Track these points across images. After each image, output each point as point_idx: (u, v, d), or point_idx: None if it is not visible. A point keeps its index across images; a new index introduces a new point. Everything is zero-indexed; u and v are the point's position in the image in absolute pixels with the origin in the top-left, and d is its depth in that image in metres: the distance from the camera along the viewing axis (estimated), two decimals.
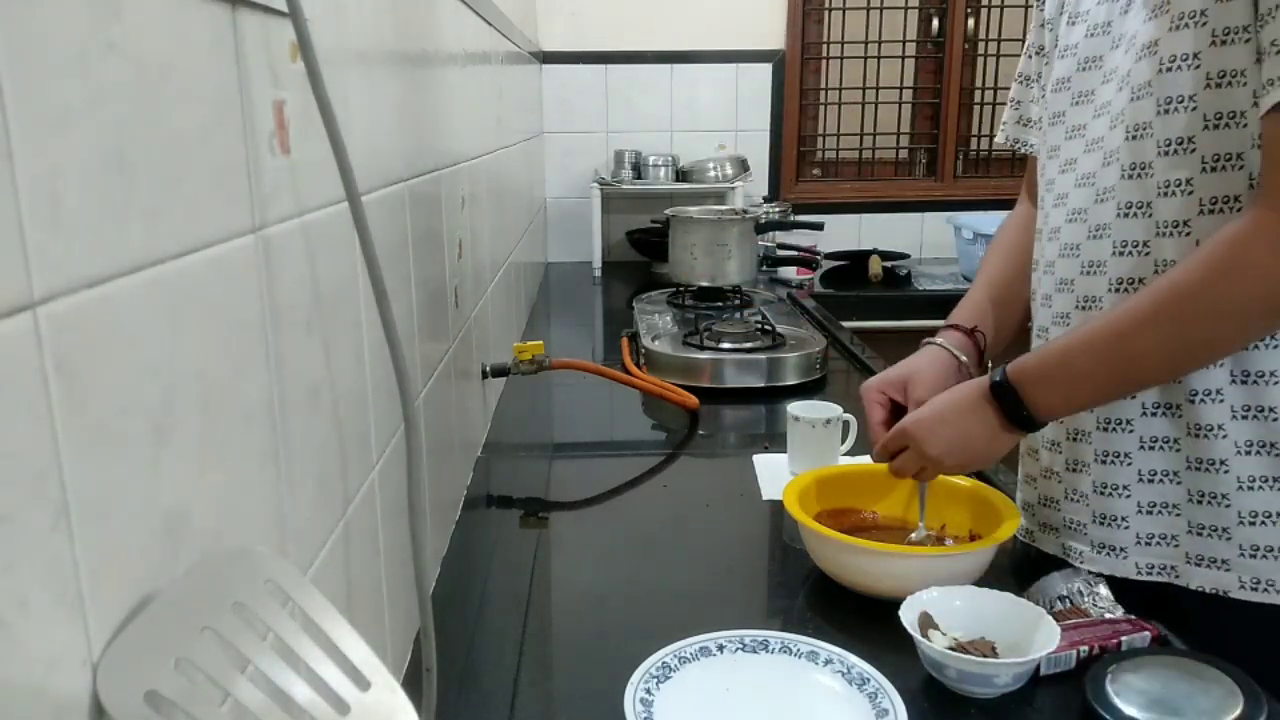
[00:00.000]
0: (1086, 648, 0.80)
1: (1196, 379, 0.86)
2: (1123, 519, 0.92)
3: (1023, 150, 1.14)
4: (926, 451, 0.93)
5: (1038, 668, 0.78)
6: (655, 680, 0.78)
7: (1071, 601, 0.87)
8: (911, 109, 3.16)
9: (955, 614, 0.83)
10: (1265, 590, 0.85)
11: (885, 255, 2.88)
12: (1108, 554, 0.93)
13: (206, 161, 0.47)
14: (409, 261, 0.90)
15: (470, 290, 1.30)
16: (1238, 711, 0.70)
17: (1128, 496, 0.91)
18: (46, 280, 0.34)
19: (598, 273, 2.84)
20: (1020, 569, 1.00)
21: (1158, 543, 0.91)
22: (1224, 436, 0.85)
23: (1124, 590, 0.89)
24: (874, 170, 3.20)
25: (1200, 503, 0.87)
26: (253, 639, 0.41)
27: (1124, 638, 0.81)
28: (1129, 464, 0.91)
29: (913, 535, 1.01)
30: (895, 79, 3.11)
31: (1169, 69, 0.82)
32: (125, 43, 0.39)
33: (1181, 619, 0.86)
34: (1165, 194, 0.84)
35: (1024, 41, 1.13)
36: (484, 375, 1.41)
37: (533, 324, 2.23)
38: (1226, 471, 0.86)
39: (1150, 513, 0.90)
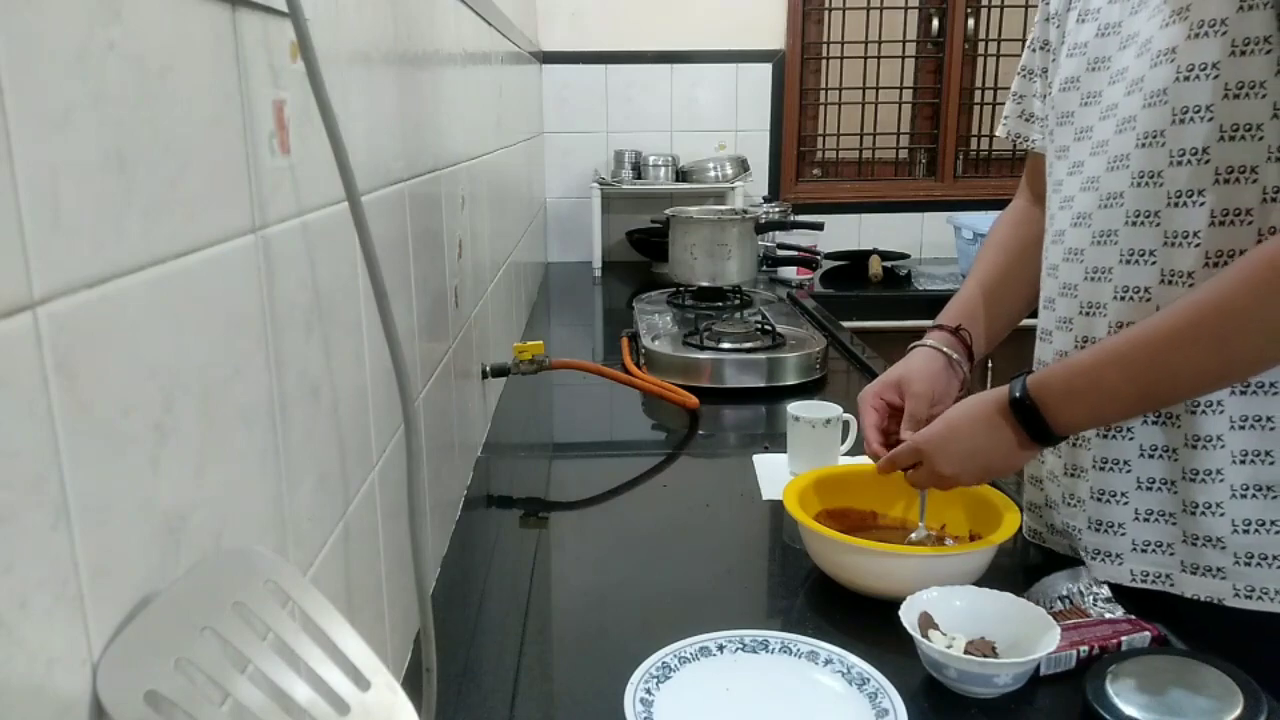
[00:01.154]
0: (1086, 648, 0.80)
1: None
2: (1119, 525, 0.91)
3: (1024, 145, 1.12)
4: (940, 470, 0.91)
5: (1038, 668, 0.78)
6: (655, 680, 0.78)
7: (1071, 601, 0.87)
8: (911, 109, 3.16)
9: (955, 614, 0.83)
10: (1259, 598, 0.85)
11: (885, 255, 2.88)
12: (1103, 560, 0.92)
13: (206, 161, 0.47)
14: (409, 261, 0.90)
15: (470, 290, 1.30)
16: (1238, 711, 0.70)
17: (1125, 503, 0.90)
18: (46, 280, 0.34)
19: (598, 273, 2.84)
20: (1020, 569, 1.00)
21: (1153, 550, 0.89)
22: (1221, 446, 0.84)
23: (1122, 594, 0.88)
24: (874, 170, 3.20)
25: (1194, 513, 0.86)
26: (253, 639, 0.41)
27: (1124, 638, 0.81)
28: (1128, 471, 0.90)
29: (913, 535, 1.01)
30: (895, 79, 3.11)
31: (1186, 78, 0.80)
32: (125, 43, 0.39)
33: (1178, 623, 0.86)
34: (1176, 204, 0.83)
35: (1024, 39, 1.10)
36: (484, 375, 1.41)
37: (533, 324, 2.23)
38: (1221, 480, 0.84)
39: (1147, 520, 0.89)
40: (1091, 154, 0.91)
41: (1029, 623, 0.80)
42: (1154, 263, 0.85)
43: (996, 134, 1.17)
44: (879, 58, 3.07)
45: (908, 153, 3.20)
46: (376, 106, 0.80)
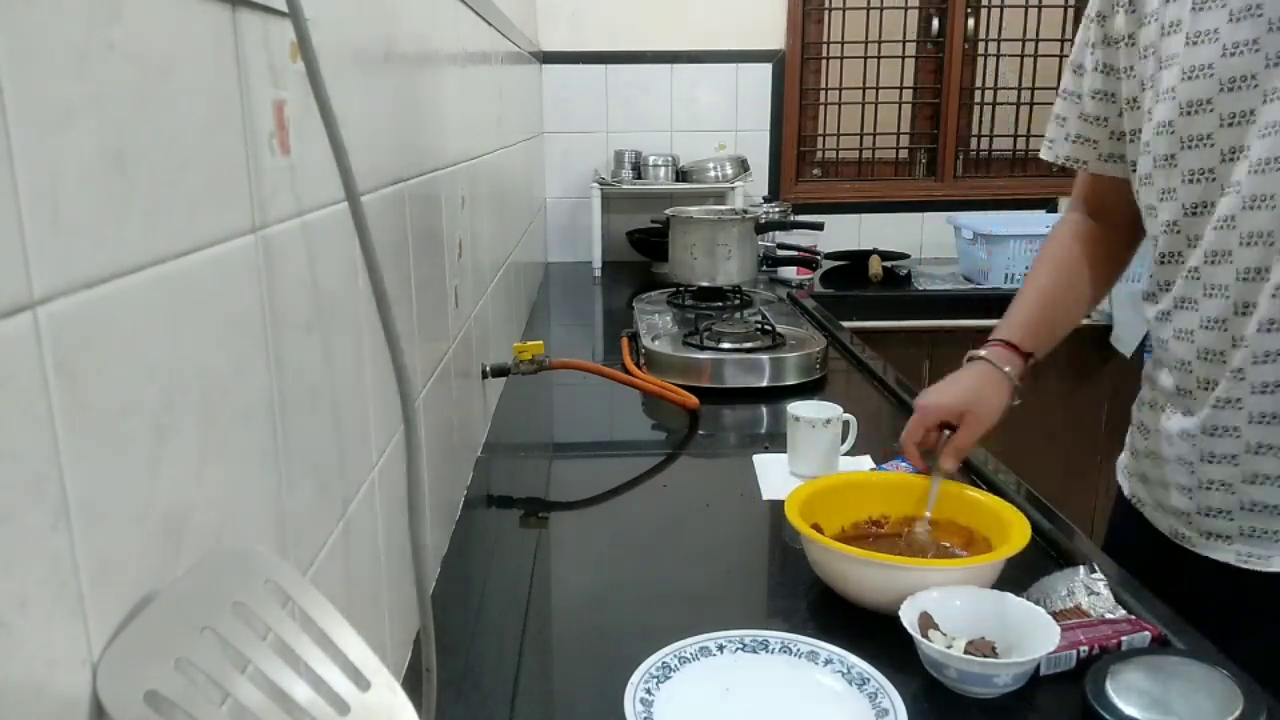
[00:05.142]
0: (1086, 648, 0.80)
1: None
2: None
3: (1078, 168, 1.11)
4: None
5: (1038, 668, 0.78)
6: (655, 680, 0.78)
7: (1071, 601, 0.87)
8: (911, 109, 3.16)
9: (955, 614, 0.83)
10: None
11: (885, 255, 2.88)
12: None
13: (206, 161, 0.47)
14: (409, 261, 0.90)
15: (470, 290, 1.30)
16: (1238, 711, 0.70)
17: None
18: (46, 280, 0.34)
19: (598, 273, 2.84)
20: (1020, 569, 1.00)
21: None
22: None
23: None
24: (874, 170, 3.20)
25: None
26: (253, 639, 0.41)
27: (1124, 638, 0.81)
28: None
29: (916, 528, 1.01)
30: (895, 79, 3.11)
31: None
32: (125, 43, 0.39)
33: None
34: None
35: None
36: (484, 375, 1.41)
37: (533, 324, 2.23)
38: None
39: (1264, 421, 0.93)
40: (1253, 172, 0.87)
41: (1029, 623, 0.80)
42: None
43: (1042, 157, 1.15)
44: (879, 58, 3.07)
45: (908, 153, 3.20)
46: (376, 106, 0.80)
